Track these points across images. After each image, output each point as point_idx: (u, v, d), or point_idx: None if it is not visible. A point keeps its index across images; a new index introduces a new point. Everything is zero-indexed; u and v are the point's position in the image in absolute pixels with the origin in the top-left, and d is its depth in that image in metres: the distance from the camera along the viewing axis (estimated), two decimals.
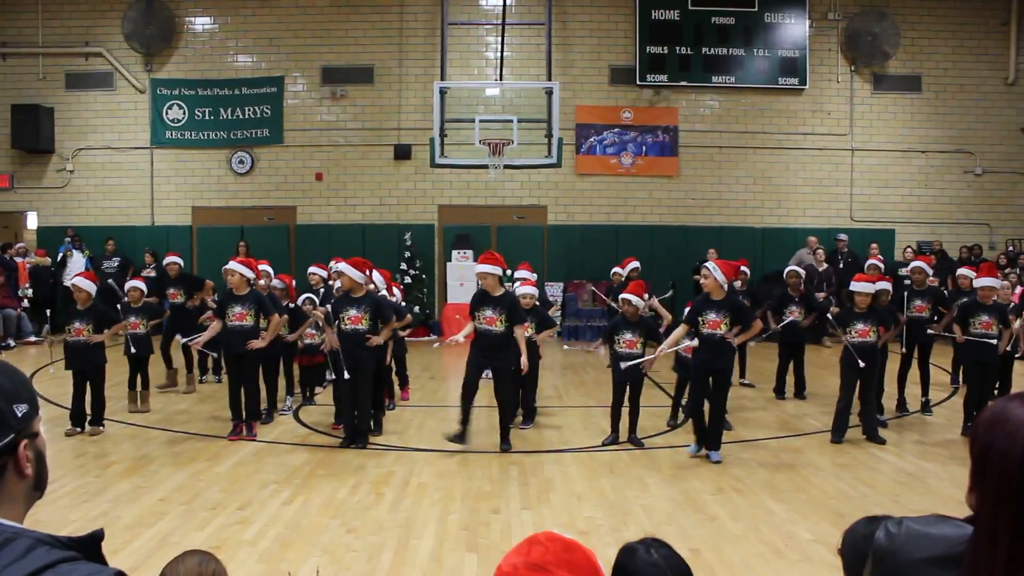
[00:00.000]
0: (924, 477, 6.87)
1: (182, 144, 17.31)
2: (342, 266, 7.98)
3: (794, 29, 17.15)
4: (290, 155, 17.34)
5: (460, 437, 7.71)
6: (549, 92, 13.53)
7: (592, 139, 17.24)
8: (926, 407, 9.42)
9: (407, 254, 16.55)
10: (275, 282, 9.61)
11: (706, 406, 7.40)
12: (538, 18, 16.14)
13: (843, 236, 16.08)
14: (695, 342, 7.50)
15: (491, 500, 6.22)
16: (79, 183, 17.42)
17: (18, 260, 15.52)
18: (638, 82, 17.12)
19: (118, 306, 10.76)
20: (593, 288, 14.36)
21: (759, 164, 17.43)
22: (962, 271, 10.22)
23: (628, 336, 7.81)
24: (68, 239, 16.41)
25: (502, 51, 15.23)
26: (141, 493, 6.32)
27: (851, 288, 8.24)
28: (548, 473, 6.98)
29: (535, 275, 9.96)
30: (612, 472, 7.01)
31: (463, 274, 15.90)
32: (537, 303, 8.74)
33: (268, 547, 5.19)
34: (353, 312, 7.74)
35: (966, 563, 1.39)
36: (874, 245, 15.30)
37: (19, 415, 1.36)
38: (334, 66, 17.18)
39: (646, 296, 8.30)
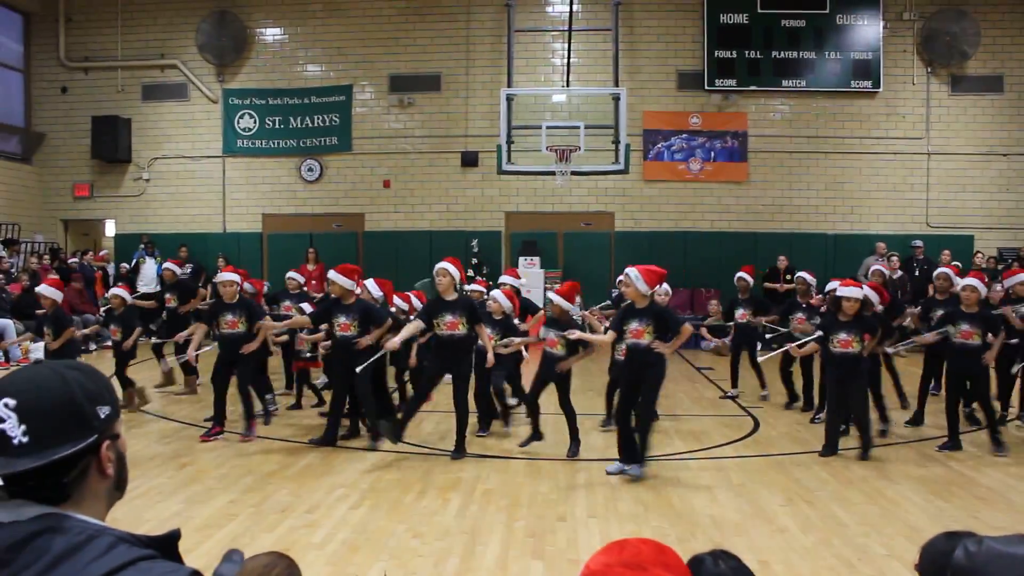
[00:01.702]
0: (1006, 492, 6.62)
1: (253, 152, 17.70)
2: (332, 274, 8.17)
3: (867, 30, 16.79)
4: (358, 163, 17.58)
5: (394, 433, 7.66)
6: (616, 98, 13.49)
7: (660, 145, 17.12)
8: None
9: (474, 261, 16.63)
10: (247, 286, 9.96)
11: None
12: (604, 24, 16.11)
13: (919, 243, 15.67)
14: (551, 333, 7.59)
15: (557, 507, 6.19)
16: (154, 191, 17.94)
17: (98, 269, 16.06)
18: (706, 87, 16.96)
19: (102, 312, 11.40)
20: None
21: (831, 169, 17.09)
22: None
23: (551, 335, 7.83)
24: (142, 246, 16.90)
25: (568, 57, 15.24)
26: (212, 495, 6.45)
27: (837, 293, 7.75)
28: (615, 481, 6.92)
29: (521, 281, 9.78)
30: (680, 481, 6.92)
31: (530, 281, 15.90)
32: (507, 312, 8.40)
33: (336, 551, 5.25)
34: (343, 319, 7.94)
35: None
36: (946, 252, 14.86)
37: (102, 417, 1.40)
38: (401, 74, 17.39)
39: (578, 300, 8.18)
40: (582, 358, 7.79)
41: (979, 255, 15.28)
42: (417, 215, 17.50)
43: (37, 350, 12.67)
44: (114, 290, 10.23)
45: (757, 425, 9.12)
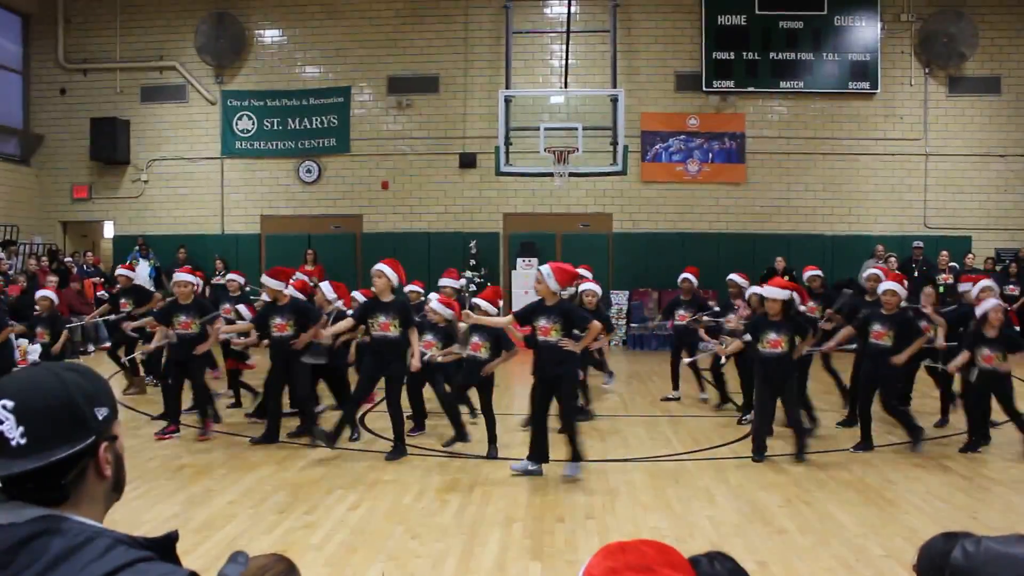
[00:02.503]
0: (1003, 493, 6.63)
1: (251, 154, 17.70)
2: (263, 277, 8.49)
3: (865, 32, 16.81)
4: (356, 164, 17.58)
5: (330, 438, 7.73)
6: (614, 99, 13.50)
7: (658, 146, 17.12)
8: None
9: (472, 262, 16.63)
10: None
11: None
12: (603, 25, 16.12)
13: (918, 243, 15.68)
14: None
15: (556, 509, 6.19)
16: (153, 193, 17.93)
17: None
18: (704, 88, 16.96)
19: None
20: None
21: (829, 170, 17.11)
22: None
23: (278, 320, 8.16)
24: (137, 248, 16.91)
25: (567, 59, 15.24)
26: (211, 496, 6.45)
27: (762, 293, 7.71)
28: (613, 482, 6.93)
29: (460, 283, 9.76)
30: (678, 482, 6.92)
31: (528, 282, 15.90)
32: (449, 320, 8.44)
33: (334, 552, 5.25)
34: (278, 319, 8.19)
35: None
36: (944, 253, 14.88)
37: (100, 418, 1.40)
38: (400, 76, 17.39)
39: (500, 303, 8.26)
40: (505, 360, 7.83)
41: (970, 256, 15.22)
42: (415, 216, 17.50)
43: (34, 351, 12.66)
44: (41, 292, 10.17)
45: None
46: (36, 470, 1.32)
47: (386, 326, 7.72)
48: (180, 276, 8.71)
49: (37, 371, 1.41)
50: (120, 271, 11.46)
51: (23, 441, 1.32)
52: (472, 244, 16.87)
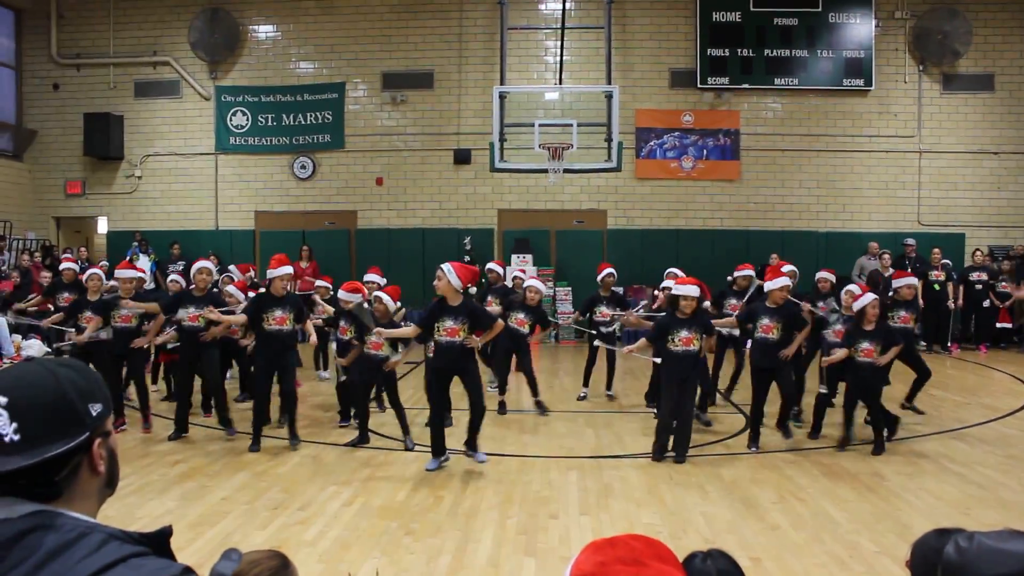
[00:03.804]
0: (996, 490, 6.65)
1: (245, 150, 17.66)
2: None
3: (859, 29, 16.83)
4: (351, 160, 17.56)
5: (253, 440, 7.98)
6: (609, 96, 13.48)
7: (652, 143, 17.13)
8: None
9: (466, 258, 16.61)
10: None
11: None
12: (597, 22, 16.11)
13: (911, 241, 15.71)
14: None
15: (549, 505, 6.20)
16: (146, 188, 17.88)
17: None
18: (699, 85, 16.97)
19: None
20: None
21: (823, 167, 17.14)
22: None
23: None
24: (136, 243, 16.83)
25: (561, 55, 15.23)
26: (205, 492, 6.45)
27: (675, 291, 7.70)
28: (607, 478, 6.94)
29: (383, 280, 9.75)
30: (672, 479, 6.94)
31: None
32: (391, 313, 8.31)
33: (328, 548, 5.25)
34: (192, 310, 8.37)
35: None
36: (936, 250, 14.90)
37: (94, 414, 1.40)
38: (394, 72, 17.36)
39: (398, 304, 8.33)
40: (401, 360, 8.10)
41: (936, 253, 15.04)
42: (410, 212, 17.49)
43: (29, 347, 12.63)
44: (92, 270, 10.06)
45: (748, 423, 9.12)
46: (29, 466, 1.32)
47: (282, 320, 7.93)
48: (122, 273, 8.74)
49: (30, 367, 1.41)
50: (66, 265, 10.88)
51: (16, 437, 1.32)
52: (466, 240, 16.85)
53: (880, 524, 5.76)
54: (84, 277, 9.05)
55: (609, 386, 10.53)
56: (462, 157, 17.23)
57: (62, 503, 1.36)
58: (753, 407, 8.02)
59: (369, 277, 9.80)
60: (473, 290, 9.37)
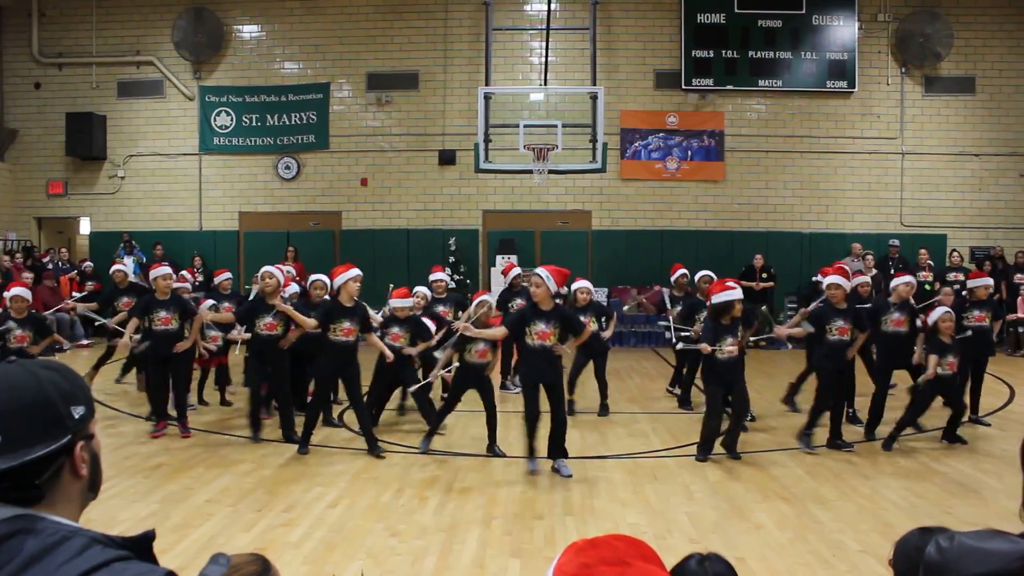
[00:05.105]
0: (977, 488, 6.71)
1: (230, 150, 17.58)
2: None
3: (843, 31, 16.92)
4: (335, 161, 17.51)
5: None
6: (594, 97, 13.50)
7: (637, 144, 17.17)
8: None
9: (451, 259, 16.60)
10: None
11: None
12: (582, 23, 16.13)
13: (895, 242, 15.81)
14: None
15: (534, 506, 6.21)
16: (130, 189, 17.77)
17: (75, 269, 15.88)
18: (683, 86, 17.02)
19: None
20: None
21: (806, 168, 17.22)
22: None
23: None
24: (122, 244, 16.70)
25: (546, 56, 15.24)
26: (189, 494, 6.41)
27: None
28: (592, 479, 6.95)
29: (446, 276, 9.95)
30: (656, 479, 6.96)
31: (506, 279, 15.88)
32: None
33: (313, 549, 5.23)
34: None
35: None
36: (923, 251, 15.02)
37: (76, 417, 1.39)
38: (379, 72, 17.33)
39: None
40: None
41: (923, 254, 15.12)
42: (394, 213, 17.45)
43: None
44: (15, 290, 9.81)
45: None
46: (10, 469, 1.31)
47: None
48: (162, 271, 8.58)
49: (11, 369, 1.39)
50: (116, 267, 11.02)
51: None
52: (451, 241, 16.84)
53: (863, 523, 5.79)
54: (152, 277, 8.60)
55: (682, 389, 10.22)
56: (447, 158, 17.21)
57: (43, 507, 1.35)
58: (819, 408, 7.88)
59: (436, 276, 9.73)
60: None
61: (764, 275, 15.12)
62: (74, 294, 13.71)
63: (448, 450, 7.90)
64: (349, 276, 7.69)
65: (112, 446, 7.86)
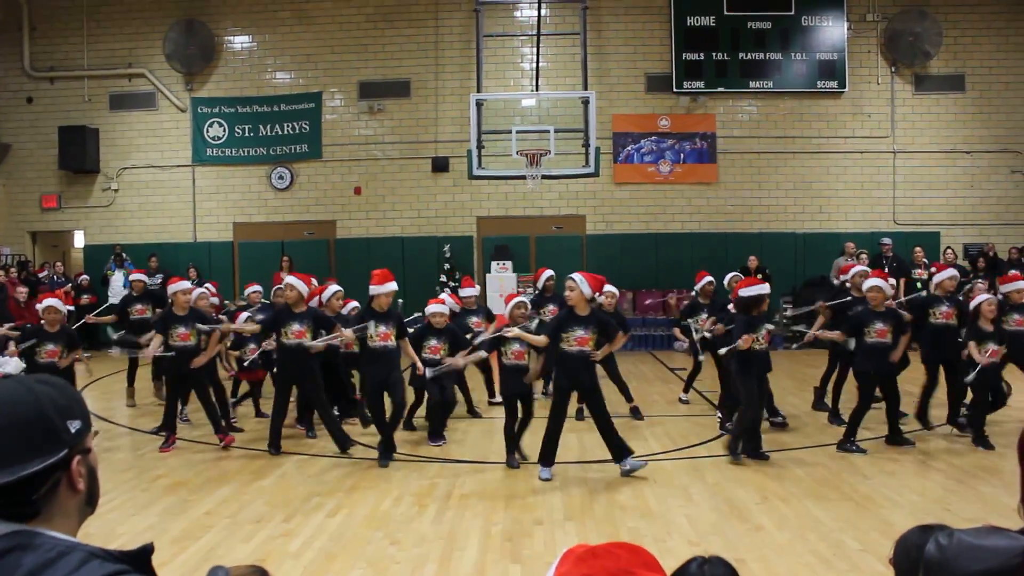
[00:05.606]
0: (976, 486, 6.72)
1: (223, 161, 17.58)
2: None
3: (832, 31, 16.99)
4: (329, 170, 17.52)
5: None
6: (585, 102, 13.52)
7: (629, 148, 17.20)
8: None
9: (446, 266, 16.61)
10: (213, 299, 10.07)
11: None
12: (573, 28, 16.16)
13: (887, 240, 15.85)
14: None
15: (534, 511, 6.20)
16: (123, 201, 17.76)
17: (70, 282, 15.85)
18: (675, 89, 17.07)
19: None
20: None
21: (799, 169, 17.27)
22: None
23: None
24: (113, 257, 16.67)
25: (537, 62, 15.27)
26: (187, 507, 6.39)
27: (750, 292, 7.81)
28: (591, 483, 6.94)
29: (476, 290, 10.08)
30: (655, 482, 6.95)
31: (502, 285, 15.92)
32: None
33: (312, 559, 5.22)
34: (296, 326, 7.97)
35: None
36: (918, 248, 15.08)
37: (72, 431, 1.39)
38: (371, 81, 17.35)
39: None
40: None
41: (919, 252, 15.19)
42: (388, 221, 17.46)
43: (5, 364, 12.46)
44: (49, 301, 9.84)
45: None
46: (7, 485, 1.30)
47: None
48: (181, 285, 8.47)
49: (8, 384, 1.39)
50: (135, 276, 11.14)
51: None
52: (446, 248, 16.85)
53: (863, 522, 5.79)
54: (171, 291, 8.41)
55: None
56: (440, 165, 17.23)
57: (41, 522, 1.35)
58: (860, 411, 7.85)
59: (468, 292, 9.77)
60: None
61: (759, 276, 15.11)
62: (71, 307, 13.73)
63: (447, 457, 7.89)
64: (383, 291, 7.79)
65: (110, 459, 7.84)
